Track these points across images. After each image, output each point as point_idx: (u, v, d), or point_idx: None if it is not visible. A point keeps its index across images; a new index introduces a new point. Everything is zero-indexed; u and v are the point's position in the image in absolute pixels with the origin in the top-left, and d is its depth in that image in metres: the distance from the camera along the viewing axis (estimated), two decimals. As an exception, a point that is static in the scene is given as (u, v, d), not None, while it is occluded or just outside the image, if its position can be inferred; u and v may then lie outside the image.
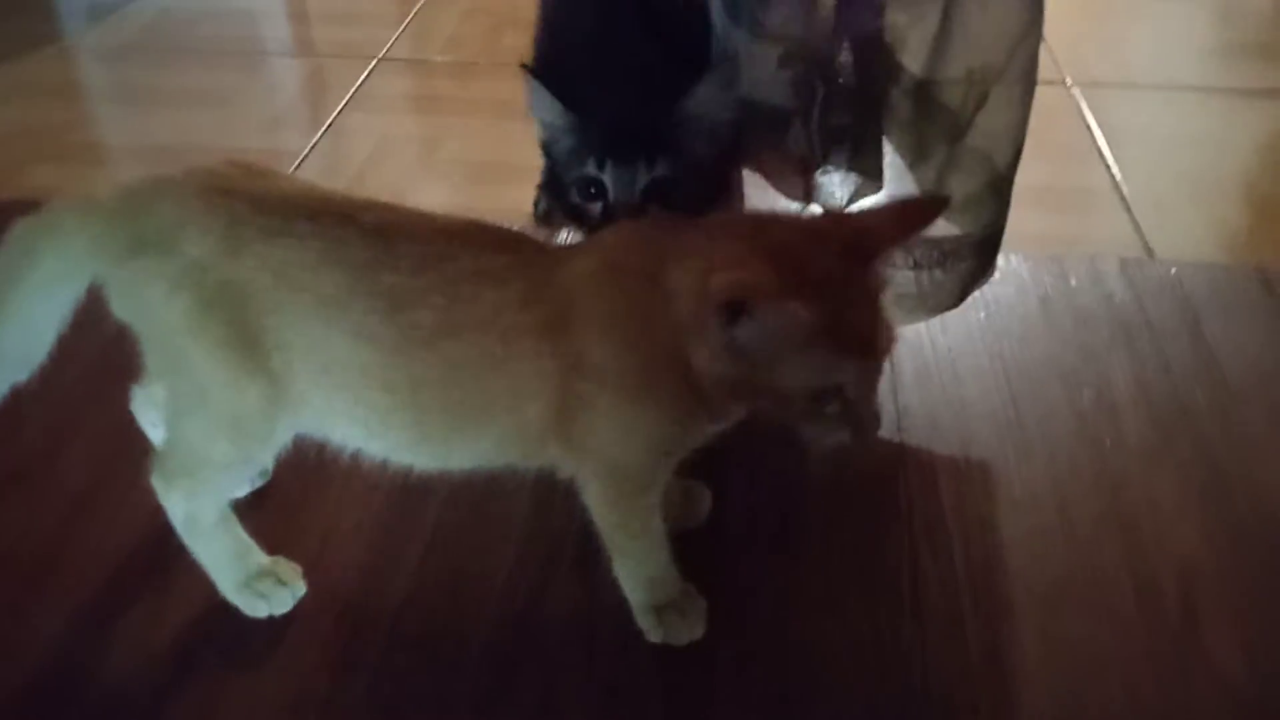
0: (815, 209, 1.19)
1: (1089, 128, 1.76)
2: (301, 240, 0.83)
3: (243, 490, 1.05)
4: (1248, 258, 1.45)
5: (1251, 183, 1.65)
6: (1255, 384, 1.22)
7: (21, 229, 0.86)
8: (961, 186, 1.11)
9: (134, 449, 1.02)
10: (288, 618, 0.96)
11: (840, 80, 1.13)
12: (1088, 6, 2.28)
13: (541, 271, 0.85)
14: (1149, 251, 1.47)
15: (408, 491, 1.07)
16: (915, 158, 1.13)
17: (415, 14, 2.23)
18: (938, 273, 1.16)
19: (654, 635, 0.94)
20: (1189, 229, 1.52)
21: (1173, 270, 1.40)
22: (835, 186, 1.19)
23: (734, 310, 0.74)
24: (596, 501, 0.91)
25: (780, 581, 1.01)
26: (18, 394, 0.90)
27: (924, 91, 1.09)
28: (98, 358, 1.22)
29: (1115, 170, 1.65)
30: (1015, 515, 1.07)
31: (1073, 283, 1.38)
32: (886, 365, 0.83)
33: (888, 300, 0.82)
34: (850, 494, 1.09)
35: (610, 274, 0.85)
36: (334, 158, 1.74)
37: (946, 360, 1.24)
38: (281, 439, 0.91)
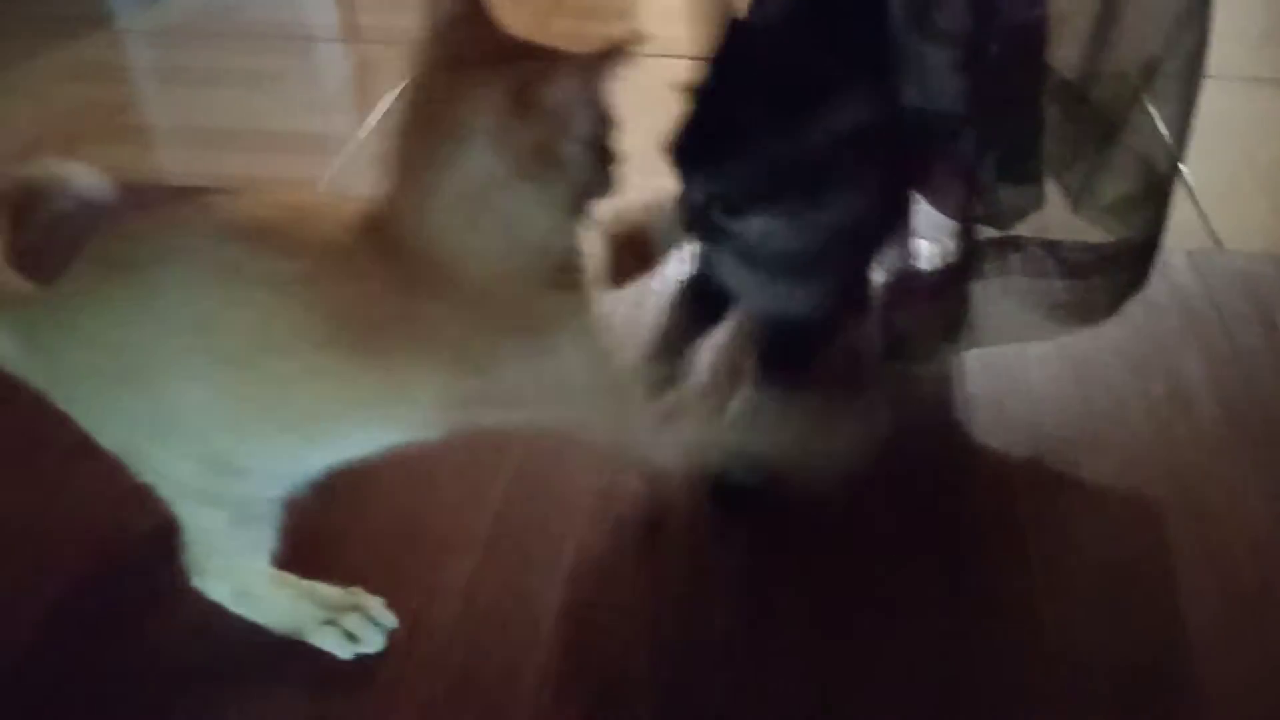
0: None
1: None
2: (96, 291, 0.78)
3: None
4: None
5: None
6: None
7: None
8: (1114, 189, 1.04)
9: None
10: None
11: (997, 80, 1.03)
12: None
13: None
14: (1217, 242, 1.45)
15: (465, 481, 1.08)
16: (1060, 165, 1.07)
17: (462, 0, 2.21)
18: (1095, 279, 1.09)
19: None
20: (1255, 219, 1.50)
21: (1240, 260, 1.38)
22: (999, 202, 1.09)
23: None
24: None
25: (847, 574, 1.00)
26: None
27: (1072, 91, 1.03)
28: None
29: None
30: (1086, 505, 1.06)
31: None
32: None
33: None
34: (919, 484, 1.08)
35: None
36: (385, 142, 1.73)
37: (1014, 350, 1.22)
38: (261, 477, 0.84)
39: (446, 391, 0.79)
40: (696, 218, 0.89)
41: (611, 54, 0.73)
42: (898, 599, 0.97)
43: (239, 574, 0.89)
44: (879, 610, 0.96)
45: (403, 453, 0.86)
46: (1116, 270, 1.08)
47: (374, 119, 1.78)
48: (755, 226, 0.89)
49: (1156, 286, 1.31)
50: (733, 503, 1.04)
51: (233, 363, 0.76)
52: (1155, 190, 1.03)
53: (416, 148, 0.77)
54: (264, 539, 0.88)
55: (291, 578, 0.92)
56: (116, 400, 0.79)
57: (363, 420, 0.82)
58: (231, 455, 0.81)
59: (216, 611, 0.90)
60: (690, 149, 0.87)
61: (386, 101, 1.84)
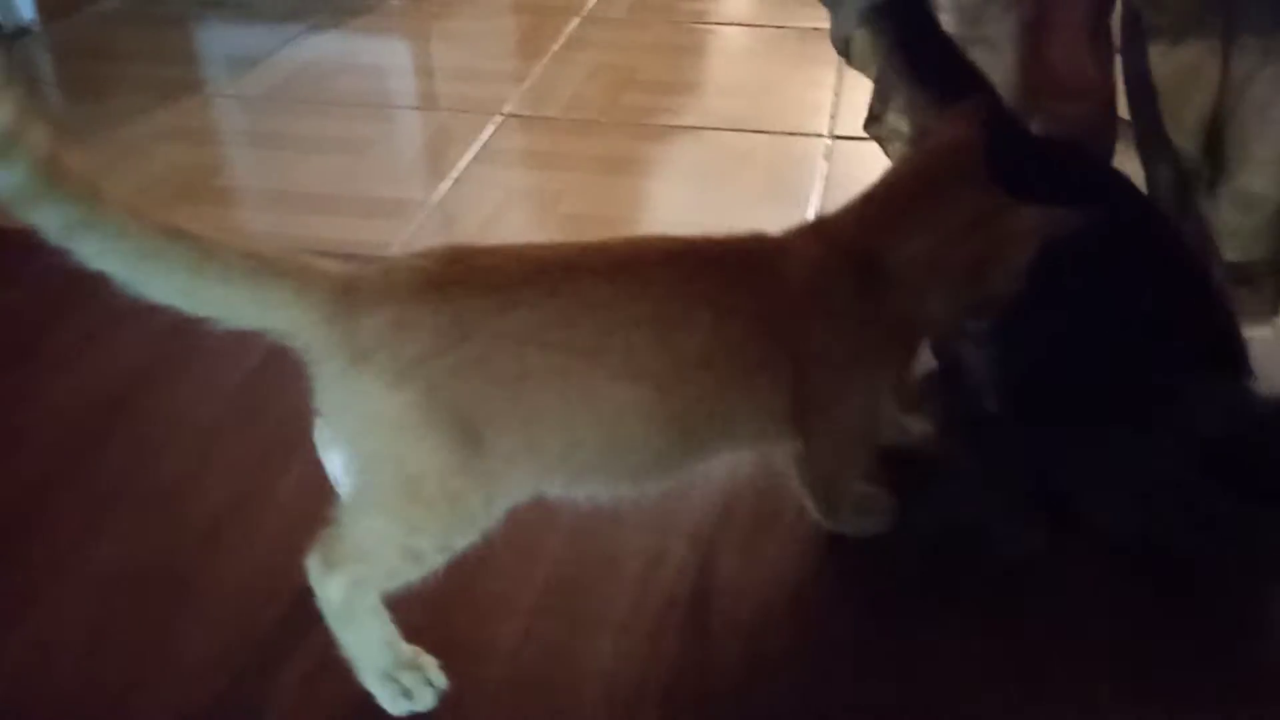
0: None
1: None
2: (535, 303, 0.86)
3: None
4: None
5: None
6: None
7: (271, 268, 0.83)
8: (1235, 220, 1.13)
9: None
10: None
11: None
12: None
13: (767, 278, 0.94)
14: None
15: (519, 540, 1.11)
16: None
17: (537, 73, 2.30)
18: (1244, 290, 1.18)
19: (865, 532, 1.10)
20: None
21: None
22: None
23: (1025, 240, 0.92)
24: (819, 478, 1.05)
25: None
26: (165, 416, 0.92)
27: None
28: (242, 387, 1.30)
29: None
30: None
31: None
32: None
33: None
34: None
35: (826, 272, 0.95)
36: (458, 208, 1.80)
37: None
38: (494, 520, 0.91)
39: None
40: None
41: (1059, 221, 0.90)
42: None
43: (364, 589, 0.91)
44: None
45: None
46: (1264, 283, 1.18)
47: (446, 185, 1.85)
48: None
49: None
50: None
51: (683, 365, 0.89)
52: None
53: (899, 201, 0.98)
54: (415, 578, 0.91)
55: (389, 621, 0.94)
56: (550, 398, 0.87)
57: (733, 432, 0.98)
58: (597, 471, 0.93)
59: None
60: None
61: (459, 168, 1.91)
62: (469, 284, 0.85)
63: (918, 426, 1.19)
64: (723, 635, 1.01)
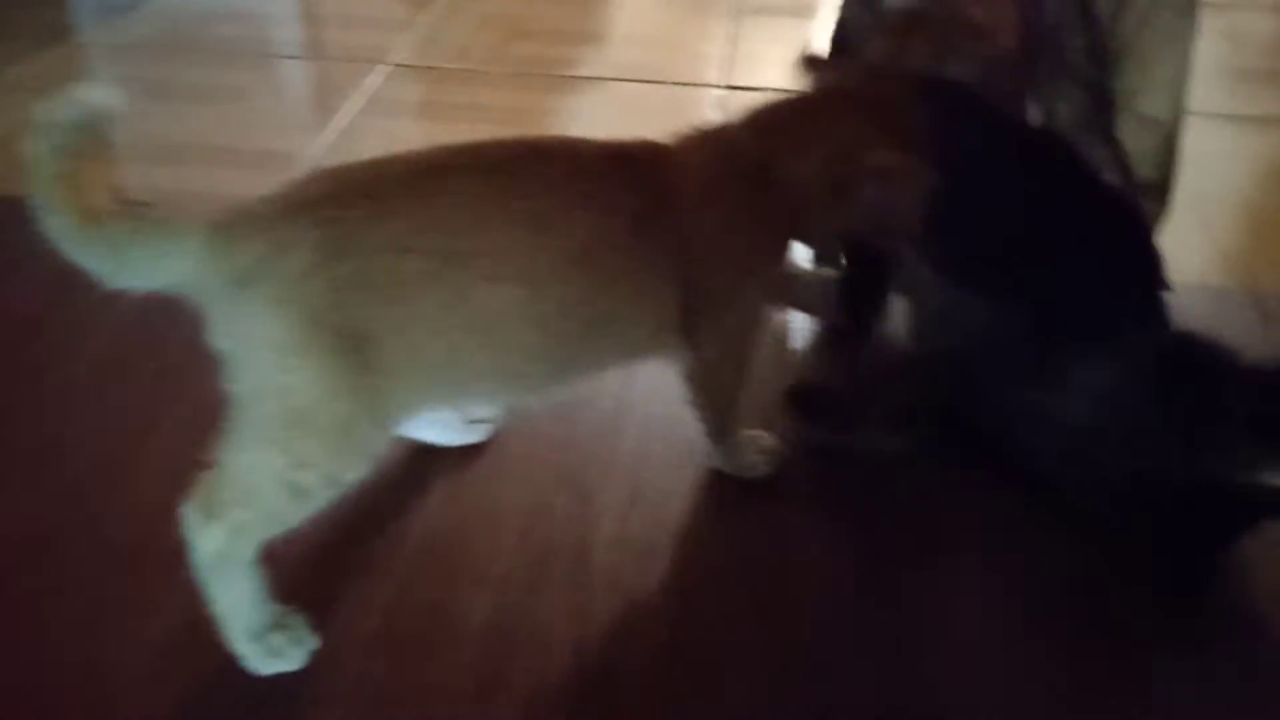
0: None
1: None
2: (410, 211, 0.85)
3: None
4: (1244, 280, 1.46)
5: (1251, 207, 1.66)
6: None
7: (150, 227, 0.82)
8: (1132, 144, 1.21)
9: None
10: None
11: None
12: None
13: (655, 181, 0.94)
14: (1148, 274, 1.48)
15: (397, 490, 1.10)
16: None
17: (426, 22, 2.25)
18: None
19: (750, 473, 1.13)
20: (1188, 252, 1.53)
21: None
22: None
23: (881, 179, 0.97)
24: (714, 387, 1.06)
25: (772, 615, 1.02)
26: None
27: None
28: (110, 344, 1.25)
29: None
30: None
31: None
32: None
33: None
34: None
35: (719, 178, 0.97)
36: (343, 159, 1.75)
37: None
38: (381, 446, 0.90)
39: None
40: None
41: (914, 171, 0.97)
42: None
43: (244, 537, 0.88)
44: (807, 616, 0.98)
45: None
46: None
47: (331, 136, 1.80)
48: None
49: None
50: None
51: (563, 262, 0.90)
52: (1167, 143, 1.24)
53: (793, 122, 1.02)
54: (299, 519, 0.89)
55: (261, 580, 0.91)
56: (428, 305, 0.85)
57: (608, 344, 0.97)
58: (482, 379, 0.92)
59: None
60: None
61: (345, 119, 1.86)
62: (342, 199, 0.84)
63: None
64: (604, 585, 1.02)
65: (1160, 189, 1.28)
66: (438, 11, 2.29)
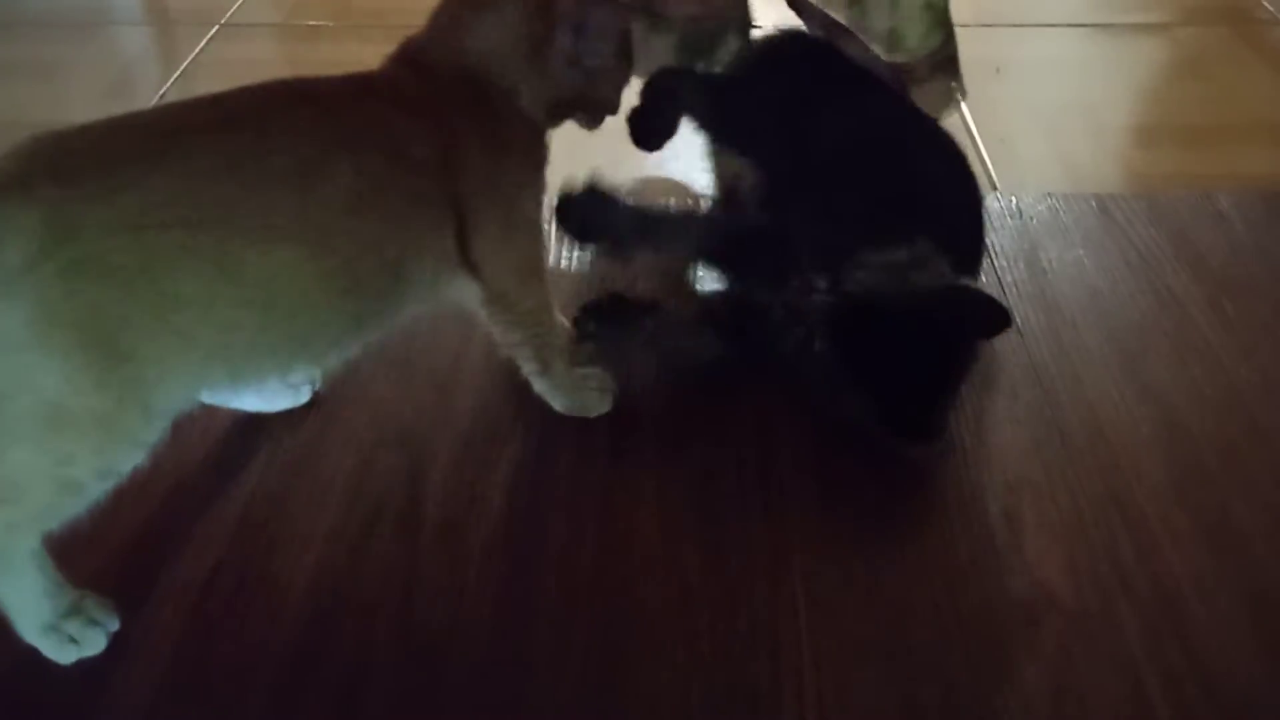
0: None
1: (941, 67, 1.76)
2: (142, 180, 0.76)
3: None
4: (1090, 186, 1.46)
5: (1099, 115, 1.67)
6: (1090, 307, 1.23)
7: None
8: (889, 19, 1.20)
9: None
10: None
11: None
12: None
13: (390, 111, 0.89)
14: (994, 185, 1.47)
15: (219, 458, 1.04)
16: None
17: (266, -22, 2.15)
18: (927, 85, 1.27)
19: (591, 410, 1.09)
20: (1037, 163, 1.53)
21: (1013, 200, 1.41)
22: None
23: (577, 27, 0.95)
24: (523, 315, 1.01)
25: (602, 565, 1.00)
26: None
27: None
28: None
29: (964, 107, 1.65)
30: (843, 442, 1.06)
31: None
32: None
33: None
34: (684, 438, 1.08)
35: (448, 93, 0.93)
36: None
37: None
38: (158, 434, 0.83)
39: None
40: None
41: (616, 12, 0.98)
42: (653, 537, 0.96)
43: (18, 534, 0.82)
44: (636, 556, 0.95)
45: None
46: (938, 78, 1.27)
47: (156, 102, 1.71)
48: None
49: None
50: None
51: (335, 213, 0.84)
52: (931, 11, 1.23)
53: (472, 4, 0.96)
54: (76, 512, 0.82)
55: (48, 560, 0.85)
56: (186, 283, 0.78)
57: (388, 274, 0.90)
58: (266, 352, 0.85)
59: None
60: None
61: (163, 88, 1.76)
62: (60, 174, 0.75)
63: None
64: (431, 539, 0.98)
65: (936, 59, 1.26)
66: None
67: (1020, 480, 1.02)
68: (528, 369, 1.06)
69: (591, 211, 1.18)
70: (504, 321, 1.01)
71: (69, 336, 0.75)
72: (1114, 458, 1.04)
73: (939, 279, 1.01)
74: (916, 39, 1.23)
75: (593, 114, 1.06)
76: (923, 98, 1.26)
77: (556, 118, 1.02)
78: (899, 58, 1.24)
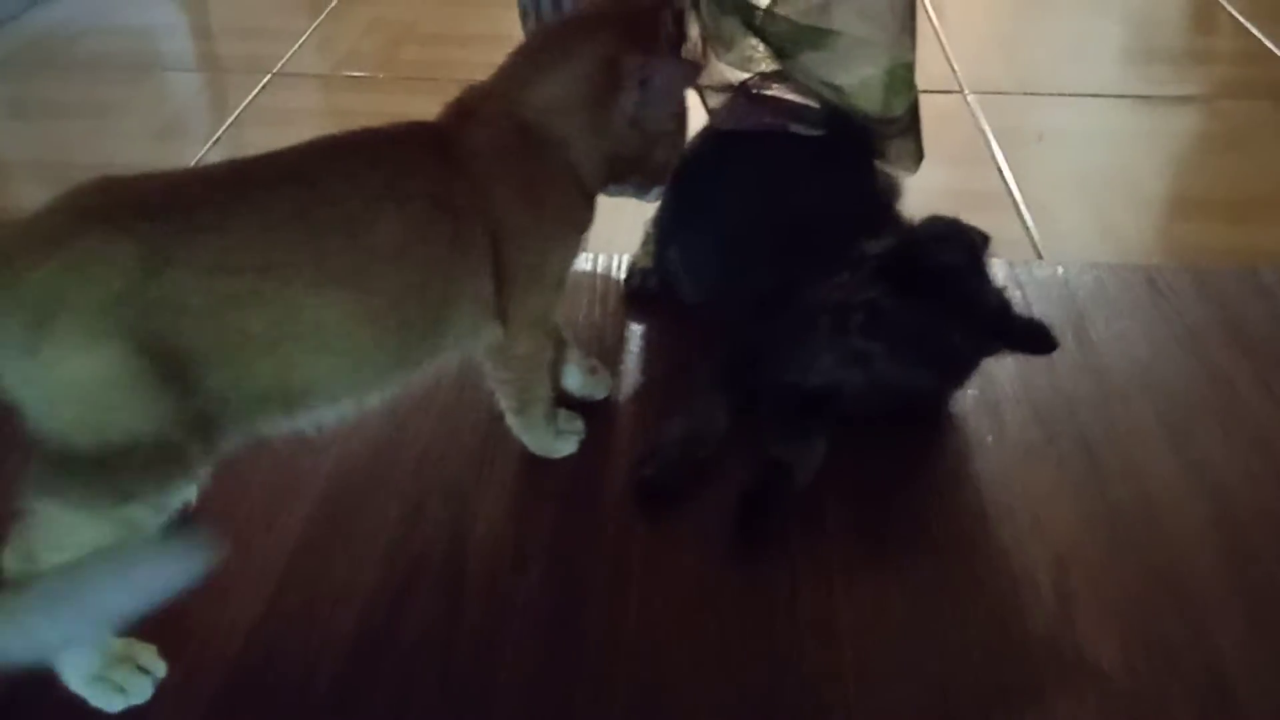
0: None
1: (984, 133, 1.77)
2: (221, 224, 0.79)
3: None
4: (1136, 258, 1.46)
5: (1143, 185, 1.67)
6: (1138, 379, 1.22)
7: None
8: (855, 75, 1.20)
9: None
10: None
11: None
12: (993, 18, 2.32)
13: (438, 159, 0.91)
14: (1038, 253, 1.47)
15: (265, 507, 1.04)
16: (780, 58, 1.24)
17: (316, 28, 2.19)
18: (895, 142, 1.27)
19: (558, 452, 1.11)
20: (1077, 230, 1.53)
21: (1059, 270, 1.41)
22: None
23: (644, 80, 0.95)
24: (518, 360, 1.02)
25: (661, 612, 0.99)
26: None
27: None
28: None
29: (1007, 174, 1.66)
30: (891, 514, 1.06)
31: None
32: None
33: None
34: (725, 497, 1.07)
35: (491, 141, 0.93)
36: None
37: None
38: (208, 470, 0.84)
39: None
40: (838, 308, 1.02)
41: (685, 67, 1.02)
42: (704, 623, 0.95)
43: None
44: (677, 620, 0.94)
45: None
46: (905, 137, 1.26)
47: (203, 149, 1.74)
48: (868, 348, 1.03)
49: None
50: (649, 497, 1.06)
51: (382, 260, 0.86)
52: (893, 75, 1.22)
53: (540, 53, 0.98)
54: None
55: None
56: (254, 323, 0.80)
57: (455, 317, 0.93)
58: (318, 388, 0.87)
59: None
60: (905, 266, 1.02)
61: (227, 128, 1.79)
62: (148, 210, 0.77)
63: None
64: (474, 591, 0.97)
65: (890, 122, 1.25)
66: (328, 18, 2.24)
67: (1071, 555, 1.00)
68: (506, 405, 1.08)
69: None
70: (498, 359, 1.02)
71: (152, 372, 0.76)
72: (1165, 534, 1.03)
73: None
74: (878, 104, 1.23)
75: (647, 178, 1.06)
76: (893, 155, 1.28)
77: (610, 179, 1.03)
78: (857, 112, 1.26)
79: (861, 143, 1.25)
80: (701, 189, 1.25)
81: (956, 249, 1.06)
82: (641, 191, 1.07)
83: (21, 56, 2.07)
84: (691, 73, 1.03)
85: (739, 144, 1.28)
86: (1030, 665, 0.91)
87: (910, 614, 0.95)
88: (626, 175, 1.04)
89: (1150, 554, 1.01)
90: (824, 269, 1.07)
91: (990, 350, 1.08)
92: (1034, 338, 1.04)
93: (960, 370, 1.11)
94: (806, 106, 1.32)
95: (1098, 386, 1.21)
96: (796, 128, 1.30)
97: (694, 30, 1.25)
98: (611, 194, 1.07)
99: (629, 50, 0.95)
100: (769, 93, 1.36)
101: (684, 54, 1.09)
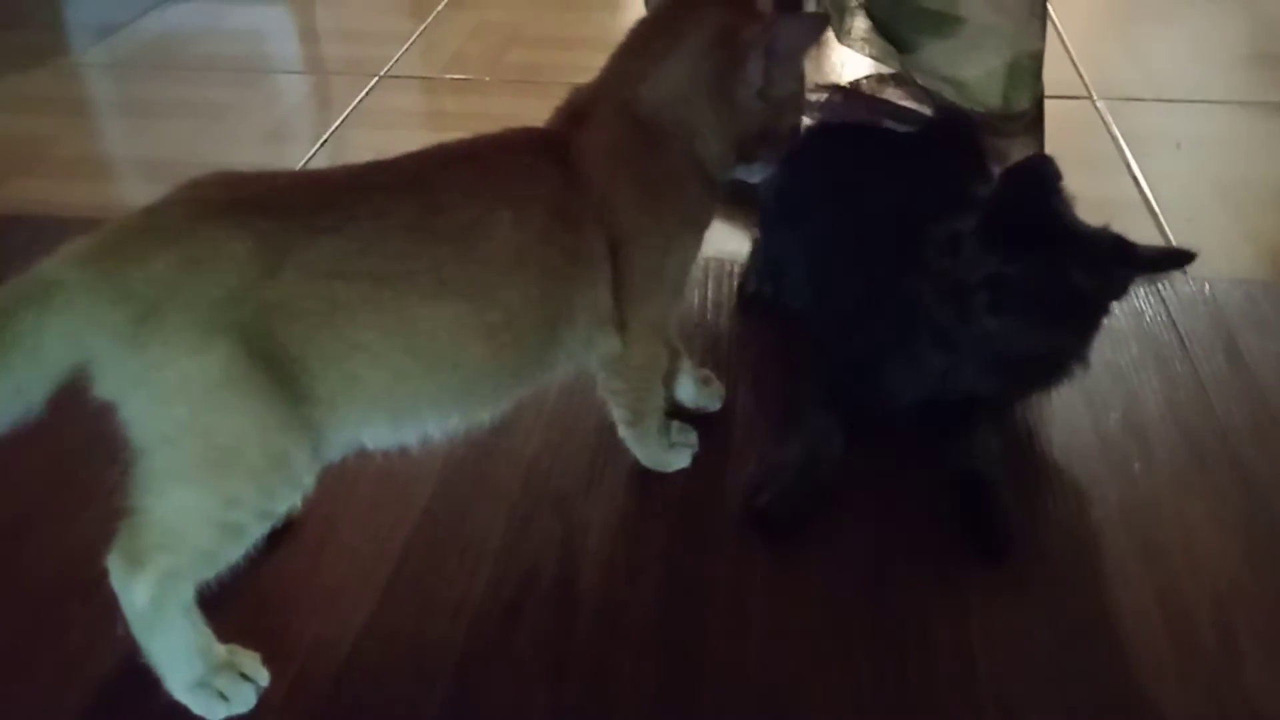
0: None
1: (1115, 139, 1.68)
2: (339, 228, 0.76)
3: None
4: (1285, 273, 1.36)
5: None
6: (1298, 405, 1.12)
7: (10, 296, 0.71)
8: (979, 66, 1.17)
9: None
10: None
11: None
12: (1117, 22, 2.21)
13: (555, 163, 0.87)
14: (1180, 266, 1.38)
15: (372, 517, 1.01)
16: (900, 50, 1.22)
17: (422, 32, 2.19)
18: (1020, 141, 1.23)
19: (671, 465, 1.06)
20: (1222, 243, 1.43)
21: (1206, 286, 1.31)
22: None
23: (768, 46, 0.88)
24: (634, 369, 0.97)
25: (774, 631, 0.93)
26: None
27: None
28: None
29: (1143, 182, 1.56)
30: (1036, 545, 0.98)
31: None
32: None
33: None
34: (850, 521, 1.01)
35: (607, 140, 0.89)
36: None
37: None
38: (315, 476, 0.81)
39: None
40: (954, 293, 0.94)
41: (809, 21, 0.99)
42: (828, 652, 0.89)
43: (177, 583, 0.80)
44: (804, 653, 0.88)
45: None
46: (1031, 132, 1.23)
47: (313, 149, 1.73)
48: (1001, 325, 0.94)
49: (1114, 312, 1.26)
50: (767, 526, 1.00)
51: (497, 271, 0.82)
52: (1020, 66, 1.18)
53: (648, 44, 0.92)
54: (235, 558, 0.81)
55: (202, 622, 0.83)
56: (367, 331, 0.78)
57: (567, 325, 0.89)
58: (429, 401, 0.84)
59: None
60: (1003, 233, 0.93)
61: (335, 130, 1.79)
62: (265, 207, 0.74)
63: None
64: (586, 607, 0.93)
65: (1014, 118, 1.20)
66: (434, 22, 2.23)
67: (1233, 592, 0.92)
68: (619, 415, 1.03)
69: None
70: (612, 369, 0.97)
71: (259, 375, 0.73)
72: (1340, 575, 0.93)
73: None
74: (999, 98, 1.18)
75: (775, 148, 0.99)
76: (1015, 156, 1.20)
77: (739, 160, 0.96)
78: (979, 109, 1.21)
79: (968, 142, 1.18)
80: (797, 190, 1.19)
81: (1041, 190, 0.98)
82: (768, 167, 1.00)
83: (138, 58, 2.10)
84: (818, 24, 0.96)
85: (836, 142, 1.24)
86: (1190, 714, 0.83)
87: (1056, 658, 0.88)
88: (755, 151, 0.97)
89: (1324, 596, 0.92)
90: (914, 264, 0.99)
91: (1119, 285, 0.97)
92: (1164, 255, 0.95)
93: (1093, 317, 1.00)
94: (903, 107, 1.27)
95: (1253, 412, 1.11)
96: (890, 124, 1.25)
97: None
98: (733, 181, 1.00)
99: (742, 19, 0.89)
100: (866, 90, 1.31)
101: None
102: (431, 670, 0.88)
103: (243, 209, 0.74)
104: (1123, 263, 0.94)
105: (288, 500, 0.81)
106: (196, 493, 0.78)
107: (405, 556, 0.98)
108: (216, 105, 1.90)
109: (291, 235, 0.74)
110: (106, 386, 0.73)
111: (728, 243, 1.32)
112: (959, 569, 0.95)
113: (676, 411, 1.09)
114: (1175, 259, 0.94)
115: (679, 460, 1.07)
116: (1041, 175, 0.98)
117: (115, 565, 0.80)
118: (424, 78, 2.02)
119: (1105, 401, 1.14)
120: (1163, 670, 0.86)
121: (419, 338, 0.80)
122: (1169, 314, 1.26)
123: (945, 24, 1.16)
